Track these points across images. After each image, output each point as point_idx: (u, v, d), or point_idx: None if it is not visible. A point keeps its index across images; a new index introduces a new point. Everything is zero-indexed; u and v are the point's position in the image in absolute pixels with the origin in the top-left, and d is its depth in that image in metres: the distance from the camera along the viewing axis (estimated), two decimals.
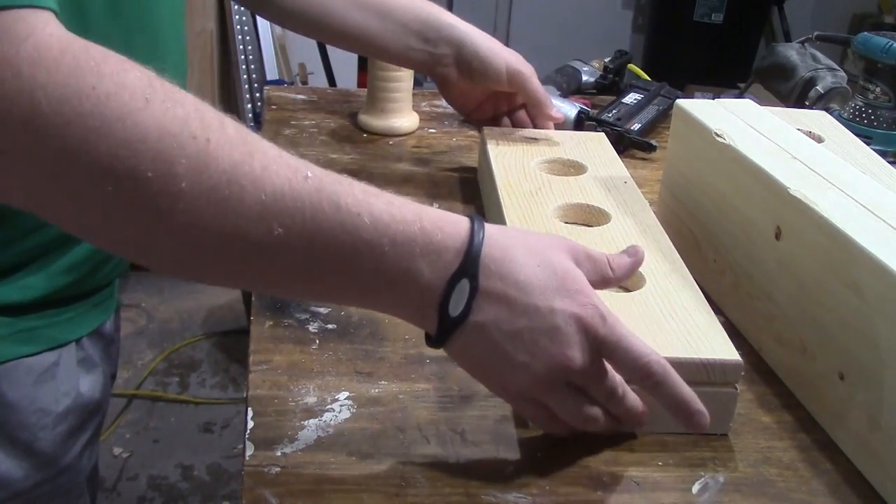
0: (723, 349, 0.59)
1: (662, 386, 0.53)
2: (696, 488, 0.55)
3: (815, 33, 1.23)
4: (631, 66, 1.29)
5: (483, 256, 0.50)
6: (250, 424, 0.56)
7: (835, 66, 1.17)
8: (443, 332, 0.51)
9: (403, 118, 1.05)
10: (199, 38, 2.50)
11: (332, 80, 2.57)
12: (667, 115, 1.11)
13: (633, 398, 0.54)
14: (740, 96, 1.23)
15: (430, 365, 0.63)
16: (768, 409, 0.63)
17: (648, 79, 1.25)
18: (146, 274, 2.32)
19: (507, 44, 0.92)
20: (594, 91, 1.24)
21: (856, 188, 0.65)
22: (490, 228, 0.51)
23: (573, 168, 0.84)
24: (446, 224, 0.50)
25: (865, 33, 1.05)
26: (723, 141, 0.74)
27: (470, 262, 0.50)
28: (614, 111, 1.13)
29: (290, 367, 0.62)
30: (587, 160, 0.85)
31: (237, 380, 2.22)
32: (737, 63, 3.12)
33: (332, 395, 0.60)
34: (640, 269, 0.64)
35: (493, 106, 0.95)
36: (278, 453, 0.54)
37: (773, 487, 0.56)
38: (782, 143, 0.73)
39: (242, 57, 2.53)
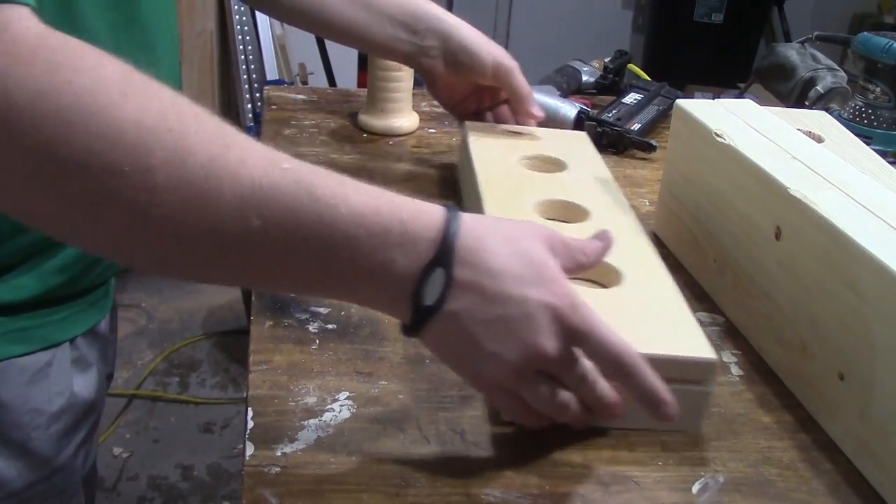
0: (697, 347, 0.58)
1: (632, 376, 0.53)
2: (696, 488, 0.55)
3: (815, 33, 1.23)
4: (631, 66, 1.29)
5: (457, 246, 0.50)
6: (250, 424, 0.56)
7: (835, 66, 1.17)
8: (417, 321, 0.51)
9: (403, 118, 1.05)
10: (199, 38, 2.50)
11: (332, 80, 2.57)
12: (667, 115, 1.11)
13: (604, 386, 0.54)
14: (740, 96, 1.23)
15: (430, 365, 0.63)
16: (768, 409, 0.63)
17: (648, 79, 1.25)
18: (146, 274, 2.32)
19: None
20: (594, 91, 1.24)
21: (856, 188, 0.65)
22: (465, 218, 0.52)
23: (554, 165, 0.84)
24: (421, 214, 0.50)
25: (865, 33, 1.05)
26: (723, 141, 0.74)
27: (444, 251, 0.50)
28: (614, 111, 1.13)
29: (290, 367, 0.62)
30: (568, 158, 0.85)
31: (237, 380, 2.22)
32: (737, 63, 3.13)
33: (332, 395, 0.60)
34: (618, 266, 0.65)
35: (476, 100, 0.95)
36: (278, 453, 0.54)
37: (773, 487, 0.56)
38: (782, 143, 0.73)
39: (242, 57, 2.53)
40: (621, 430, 0.59)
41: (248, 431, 0.56)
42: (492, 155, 0.83)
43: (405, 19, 0.89)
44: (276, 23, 2.54)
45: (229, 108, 2.66)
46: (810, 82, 1.14)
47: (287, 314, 0.68)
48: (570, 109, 1.08)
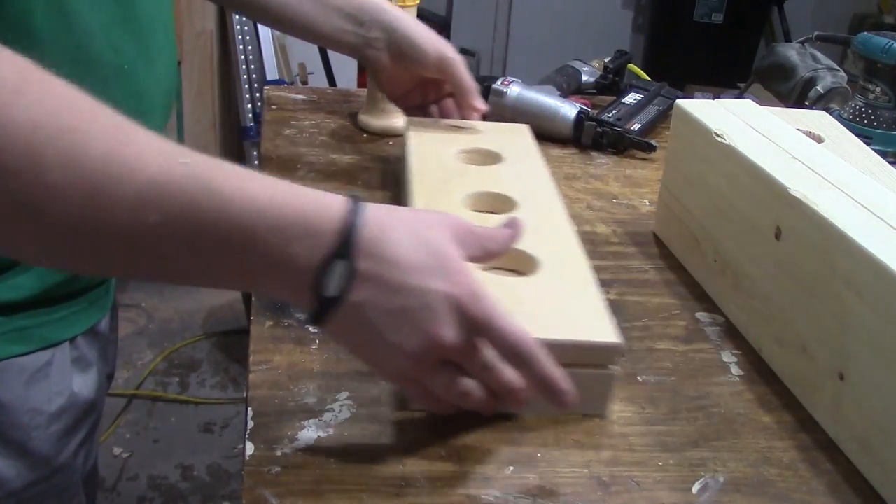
0: (601, 332, 0.59)
1: (530, 364, 0.53)
2: (696, 488, 0.55)
3: (815, 33, 1.23)
4: (631, 66, 1.29)
5: (359, 237, 0.50)
6: (250, 424, 0.57)
7: (835, 66, 1.17)
8: (319, 312, 0.51)
9: (403, 118, 1.05)
10: (199, 38, 2.50)
11: (332, 80, 2.57)
12: (667, 115, 1.11)
13: (509, 374, 0.54)
14: (740, 96, 1.23)
15: None
16: (768, 409, 0.63)
17: (648, 79, 1.25)
18: None
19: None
20: (594, 91, 1.24)
21: (856, 188, 0.65)
22: (369, 209, 0.52)
23: (491, 157, 0.85)
24: (324, 206, 0.50)
25: (865, 33, 1.05)
26: (723, 141, 0.74)
27: (345, 243, 0.50)
28: (614, 111, 1.13)
29: (290, 367, 0.62)
30: (506, 150, 0.86)
31: (237, 380, 2.22)
32: (737, 63, 3.13)
33: (332, 395, 0.60)
34: (536, 255, 0.66)
35: (421, 93, 0.95)
36: (278, 453, 0.54)
37: (773, 487, 0.56)
38: (782, 143, 0.73)
39: (242, 57, 2.53)
40: (502, 411, 0.59)
41: (248, 431, 0.56)
42: (429, 149, 0.84)
43: (351, 11, 0.89)
44: None
45: (229, 108, 2.66)
46: (810, 82, 1.14)
47: (287, 314, 0.68)
48: (570, 109, 1.08)
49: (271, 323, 0.67)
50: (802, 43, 1.20)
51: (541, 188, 0.79)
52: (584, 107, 1.09)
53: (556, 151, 1.06)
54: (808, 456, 0.59)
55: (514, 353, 0.53)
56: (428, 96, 0.95)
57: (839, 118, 1.04)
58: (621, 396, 0.63)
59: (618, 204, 0.94)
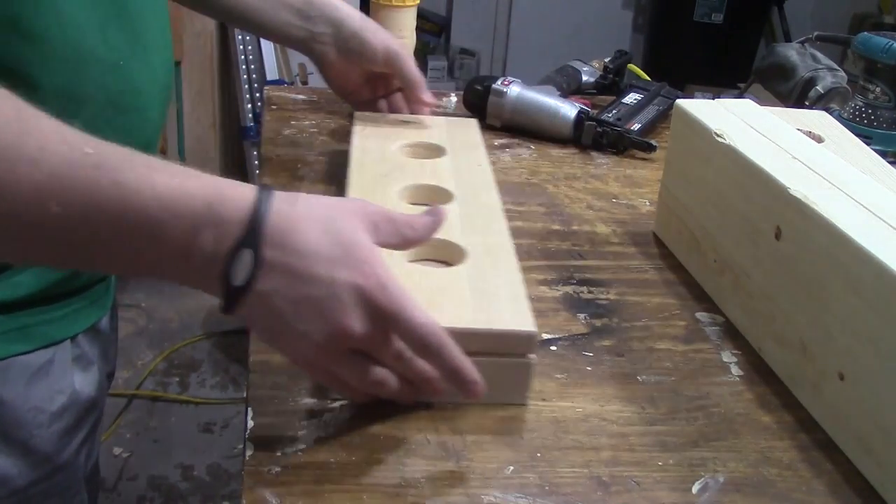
0: (518, 320, 0.59)
1: (438, 355, 0.54)
2: (696, 488, 0.55)
3: (815, 33, 1.23)
4: (631, 66, 1.29)
5: (267, 226, 0.50)
6: (250, 424, 0.57)
7: (835, 66, 1.17)
8: (228, 301, 0.51)
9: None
10: (199, 38, 2.50)
11: None
12: (667, 115, 1.11)
13: (421, 364, 0.55)
14: (740, 96, 1.23)
15: None
16: (768, 409, 0.63)
17: (648, 79, 1.25)
18: None
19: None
20: (594, 91, 1.24)
21: (856, 188, 0.65)
22: (277, 198, 0.52)
23: (434, 151, 0.85)
24: (231, 195, 0.50)
25: (865, 33, 1.05)
26: (723, 141, 0.74)
27: (252, 232, 0.50)
28: (614, 111, 1.13)
29: (290, 368, 0.62)
30: (450, 144, 0.86)
31: (237, 380, 2.22)
32: (737, 63, 3.13)
33: (332, 395, 0.60)
34: (465, 245, 0.67)
35: (370, 89, 0.96)
36: (278, 453, 0.54)
37: (773, 487, 0.56)
38: (782, 143, 0.73)
39: (242, 57, 2.53)
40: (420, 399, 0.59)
41: (248, 431, 0.56)
42: (373, 143, 0.85)
43: (298, 5, 0.90)
44: None
45: (229, 108, 2.66)
46: (810, 82, 1.14)
47: None
48: (570, 109, 1.08)
49: None
50: (802, 43, 1.20)
51: (479, 181, 0.79)
52: (584, 107, 1.09)
53: (556, 151, 1.06)
54: (808, 456, 0.59)
55: (422, 343, 0.53)
56: (377, 91, 0.96)
57: (839, 118, 1.04)
58: (621, 396, 0.63)
59: (618, 204, 0.94)
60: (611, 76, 1.24)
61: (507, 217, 0.90)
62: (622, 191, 0.97)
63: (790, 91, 1.16)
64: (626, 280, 0.79)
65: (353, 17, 0.91)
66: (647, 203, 0.94)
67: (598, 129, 1.06)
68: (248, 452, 0.54)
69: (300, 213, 0.52)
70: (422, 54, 3.47)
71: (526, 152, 1.06)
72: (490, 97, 1.09)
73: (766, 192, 0.67)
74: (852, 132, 0.85)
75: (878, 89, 1.04)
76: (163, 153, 2.30)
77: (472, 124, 0.94)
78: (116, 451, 1.97)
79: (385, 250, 0.55)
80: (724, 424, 0.61)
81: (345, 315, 0.51)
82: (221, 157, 2.65)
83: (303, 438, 0.56)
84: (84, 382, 0.72)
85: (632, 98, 1.16)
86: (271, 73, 2.56)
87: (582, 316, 0.73)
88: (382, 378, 0.55)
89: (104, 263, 0.52)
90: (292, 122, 1.06)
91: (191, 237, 0.49)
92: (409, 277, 0.62)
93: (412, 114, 0.94)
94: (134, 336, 2.34)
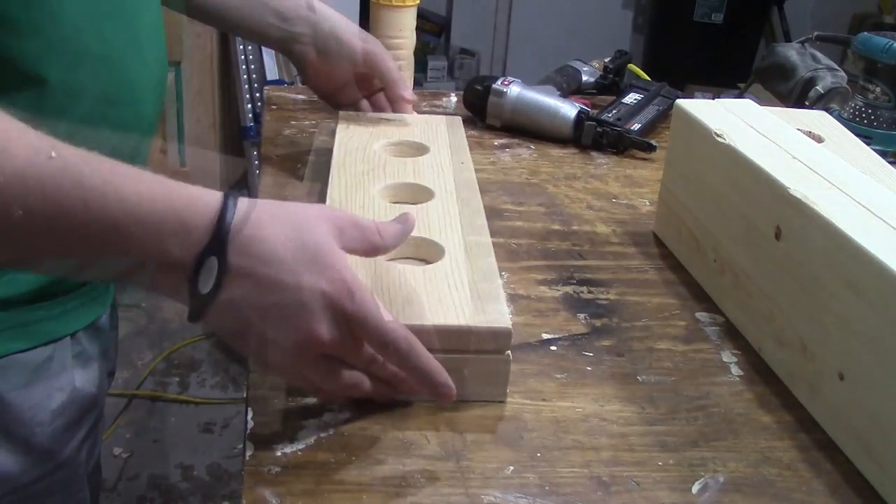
0: (494, 318, 0.59)
1: (407, 360, 0.54)
2: (696, 488, 0.55)
3: (815, 33, 1.23)
4: (631, 66, 1.29)
5: (233, 233, 0.50)
6: (250, 424, 0.57)
7: (835, 66, 1.17)
8: (195, 309, 0.51)
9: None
10: (199, 38, 2.50)
11: None
12: (667, 115, 1.11)
13: (392, 367, 0.55)
14: (740, 96, 1.23)
15: None
16: (768, 409, 0.63)
17: (648, 79, 1.25)
18: None
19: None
20: (594, 91, 1.24)
21: (856, 188, 0.65)
22: (244, 204, 0.51)
23: (417, 150, 0.85)
24: (197, 202, 0.50)
25: (865, 33, 1.05)
26: (723, 141, 0.74)
27: (218, 239, 0.49)
28: (614, 111, 1.13)
29: None
30: (433, 143, 0.86)
31: (237, 380, 2.22)
32: (737, 63, 3.13)
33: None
34: (444, 244, 0.67)
35: (352, 89, 0.96)
36: (278, 453, 0.54)
37: (773, 487, 0.56)
38: (782, 143, 0.73)
39: (242, 57, 2.53)
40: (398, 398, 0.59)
41: (248, 431, 0.56)
42: (355, 142, 0.85)
43: (277, 6, 0.90)
44: None
45: (229, 108, 2.66)
46: (810, 82, 1.14)
47: None
48: (570, 109, 1.08)
49: None
50: (802, 43, 1.20)
51: (461, 179, 0.80)
52: (584, 107, 1.09)
53: (556, 151, 1.06)
54: (808, 456, 0.59)
55: (391, 348, 0.53)
56: (360, 92, 0.96)
57: (839, 118, 1.04)
58: (621, 396, 0.63)
59: (618, 204, 0.94)
60: (611, 76, 1.24)
61: (507, 217, 0.90)
62: (622, 191, 0.97)
63: (790, 91, 1.16)
64: (626, 280, 0.79)
65: (331, 17, 0.91)
66: (647, 203, 0.94)
67: (598, 129, 1.06)
68: (248, 452, 0.54)
69: (265, 219, 0.52)
70: (422, 54, 3.47)
71: (526, 152, 1.06)
72: (490, 97, 1.09)
73: (766, 192, 0.67)
74: (852, 132, 0.85)
75: (878, 89, 1.04)
76: (163, 153, 2.30)
77: (457, 122, 0.94)
78: (116, 451, 1.97)
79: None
80: (724, 424, 0.61)
81: (312, 321, 0.51)
82: (222, 158, 2.65)
83: (303, 438, 0.56)
84: (84, 380, 0.72)
85: (632, 98, 1.16)
86: (271, 73, 2.56)
87: (582, 316, 0.73)
88: (355, 381, 0.55)
89: (73, 270, 0.52)
90: (292, 122, 1.06)
91: (156, 244, 0.49)
92: (387, 276, 0.62)
93: (395, 112, 0.94)
94: (134, 336, 2.34)
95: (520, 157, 1.04)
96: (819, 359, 0.61)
